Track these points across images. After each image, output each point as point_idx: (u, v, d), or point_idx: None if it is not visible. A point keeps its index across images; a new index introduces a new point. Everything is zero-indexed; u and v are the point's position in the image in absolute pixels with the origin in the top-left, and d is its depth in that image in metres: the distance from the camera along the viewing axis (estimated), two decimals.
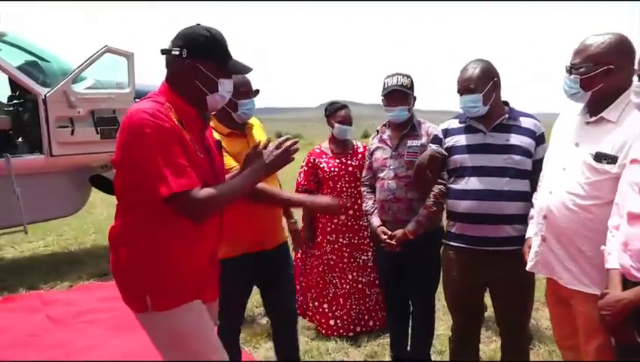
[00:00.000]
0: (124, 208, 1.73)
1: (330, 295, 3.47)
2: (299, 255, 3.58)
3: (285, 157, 1.85)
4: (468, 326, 2.52)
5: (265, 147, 1.89)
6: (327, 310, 3.48)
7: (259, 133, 2.54)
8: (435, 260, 2.65)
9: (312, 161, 3.41)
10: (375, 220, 2.79)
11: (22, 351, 3.26)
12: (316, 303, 3.53)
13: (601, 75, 1.85)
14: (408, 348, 2.95)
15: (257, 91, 2.49)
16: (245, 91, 2.42)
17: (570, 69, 1.92)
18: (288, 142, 1.86)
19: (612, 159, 1.81)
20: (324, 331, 3.49)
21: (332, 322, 3.46)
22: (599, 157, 1.83)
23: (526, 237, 2.15)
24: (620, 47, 1.84)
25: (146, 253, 1.68)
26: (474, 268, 2.35)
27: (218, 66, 1.73)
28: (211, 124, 2.42)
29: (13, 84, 5.33)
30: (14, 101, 5.39)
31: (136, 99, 5.44)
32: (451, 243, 2.44)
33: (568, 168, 1.93)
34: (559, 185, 1.95)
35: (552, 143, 2.12)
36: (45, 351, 3.29)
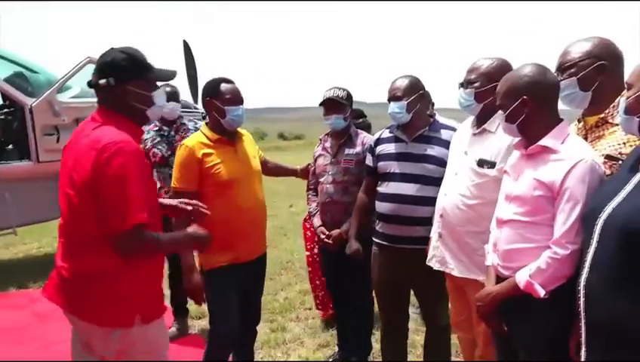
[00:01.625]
0: (99, 238, 1.72)
1: None
2: (315, 250, 3.64)
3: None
4: (391, 316, 2.73)
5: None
6: None
7: (250, 146, 2.66)
8: (370, 258, 2.87)
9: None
10: (316, 221, 3.05)
11: None
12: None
13: (491, 90, 2.10)
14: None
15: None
16: (233, 98, 2.49)
17: (466, 84, 2.20)
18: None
19: (491, 164, 2.10)
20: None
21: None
22: (481, 163, 2.13)
23: (430, 236, 2.39)
24: (504, 68, 2.10)
25: (135, 279, 1.78)
26: (394, 264, 2.59)
27: (145, 81, 1.86)
28: (201, 130, 2.55)
29: (2, 94, 5.57)
30: (3, 110, 5.61)
31: None
32: (376, 239, 2.68)
33: (459, 173, 2.22)
34: (452, 188, 2.24)
35: (450, 152, 2.40)
36: (22, 345, 3.56)
